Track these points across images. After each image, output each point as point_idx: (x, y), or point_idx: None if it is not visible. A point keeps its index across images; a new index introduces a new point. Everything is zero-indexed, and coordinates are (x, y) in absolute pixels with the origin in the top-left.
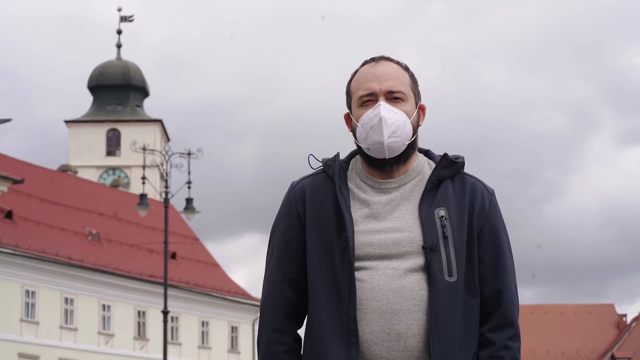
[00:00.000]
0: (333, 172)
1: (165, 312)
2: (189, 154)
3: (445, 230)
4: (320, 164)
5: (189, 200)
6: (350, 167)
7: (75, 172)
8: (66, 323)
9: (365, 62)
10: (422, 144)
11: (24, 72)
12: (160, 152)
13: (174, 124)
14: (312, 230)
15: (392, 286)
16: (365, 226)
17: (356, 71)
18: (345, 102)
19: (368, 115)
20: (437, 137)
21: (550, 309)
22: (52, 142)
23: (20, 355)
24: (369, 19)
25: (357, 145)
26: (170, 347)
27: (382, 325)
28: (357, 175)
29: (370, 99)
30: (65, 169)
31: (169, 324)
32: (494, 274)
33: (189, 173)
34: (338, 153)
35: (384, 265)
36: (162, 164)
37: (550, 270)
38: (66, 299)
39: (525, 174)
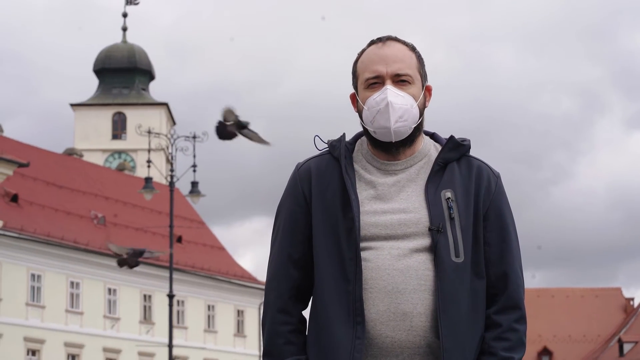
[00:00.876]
0: (339, 153)
1: (170, 296)
2: (194, 137)
3: (451, 211)
4: (326, 145)
5: (194, 184)
6: (356, 148)
7: (81, 156)
8: (72, 307)
9: (372, 42)
10: (429, 127)
11: (30, 55)
12: (166, 136)
13: (180, 107)
14: (318, 210)
15: (397, 266)
16: (371, 207)
17: (363, 51)
18: (351, 83)
19: (375, 99)
20: (444, 121)
21: (557, 293)
22: (57, 126)
23: (26, 339)
24: (375, 0)
25: (363, 127)
26: (176, 331)
27: (387, 304)
28: (363, 156)
29: (376, 82)
30: (70, 153)
31: (175, 308)
32: (499, 257)
33: (194, 156)
34: (344, 134)
35: (390, 245)
36: (167, 148)
37: (558, 253)
38: (72, 283)
39: (533, 157)
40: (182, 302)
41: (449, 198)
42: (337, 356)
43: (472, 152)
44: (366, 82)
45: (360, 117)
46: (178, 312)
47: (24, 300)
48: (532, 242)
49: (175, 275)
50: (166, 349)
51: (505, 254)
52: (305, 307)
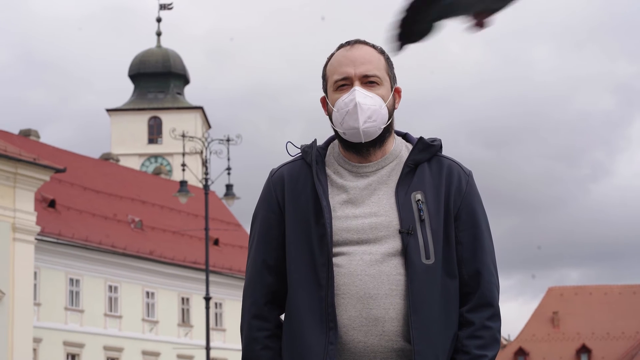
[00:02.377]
0: (311, 159)
1: (207, 299)
2: (227, 140)
3: (422, 213)
4: (299, 151)
5: (228, 187)
6: (328, 152)
7: (117, 161)
8: (110, 311)
9: (341, 46)
10: (466, 124)
11: (67, 62)
12: (200, 139)
13: (217, 111)
14: (291, 217)
15: (369, 271)
16: (343, 212)
17: (332, 55)
18: (321, 86)
19: (343, 100)
20: (482, 118)
21: (594, 290)
22: (95, 131)
23: (65, 343)
24: None
25: (334, 129)
26: (214, 333)
27: (359, 310)
28: (335, 159)
29: (345, 84)
30: (107, 157)
31: (213, 310)
32: (472, 255)
33: (229, 159)
34: (315, 139)
35: (362, 250)
36: (202, 151)
37: (596, 251)
38: (110, 287)
39: (573, 155)
40: (220, 304)
41: (419, 200)
42: None
43: (513, 151)
44: (335, 84)
45: (331, 119)
46: (216, 314)
47: (63, 305)
48: (571, 238)
49: (212, 278)
50: (205, 352)
51: (477, 252)
52: (282, 312)
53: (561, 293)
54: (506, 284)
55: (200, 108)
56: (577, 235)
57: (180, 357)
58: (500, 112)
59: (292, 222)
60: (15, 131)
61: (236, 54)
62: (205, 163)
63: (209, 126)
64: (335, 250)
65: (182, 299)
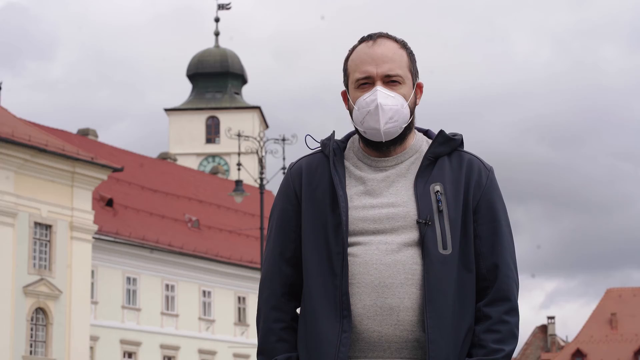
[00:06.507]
0: (329, 151)
1: None
2: (283, 139)
3: (440, 204)
4: (318, 144)
5: None
6: (347, 146)
7: (175, 160)
8: (167, 309)
9: (362, 40)
10: (532, 124)
11: (125, 62)
12: (255, 139)
13: (276, 111)
14: (308, 207)
15: (385, 260)
16: (359, 202)
17: (353, 48)
18: (342, 80)
19: (365, 100)
20: (549, 118)
21: None
22: (152, 131)
23: (122, 341)
24: (479, 0)
25: (354, 126)
26: None
27: (374, 299)
28: (354, 153)
29: (367, 82)
30: (165, 157)
31: None
32: (490, 249)
33: (284, 159)
34: (334, 132)
35: (378, 240)
36: (258, 151)
37: None
38: (167, 286)
39: (638, 155)
40: None
41: (437, 191)
42: (323, 349)
43: (579, 149)
44: (356, 82)
45: (351, 115)
46: None
47: (120, 303)
48: (634, 238)
49: None
50: None
51: (496, 246)
52: (299, 305)
53: (619, 294)
54: (570, 285)
55: (258, 108)
56: None
57: (236, 356)
58: (566, 112)
59: (308, 211)
60: (74, 130)
61: (298, 54)
62: (260, 162)
63: (267, 126)
64: (351, 239)
65: (239, 297)
